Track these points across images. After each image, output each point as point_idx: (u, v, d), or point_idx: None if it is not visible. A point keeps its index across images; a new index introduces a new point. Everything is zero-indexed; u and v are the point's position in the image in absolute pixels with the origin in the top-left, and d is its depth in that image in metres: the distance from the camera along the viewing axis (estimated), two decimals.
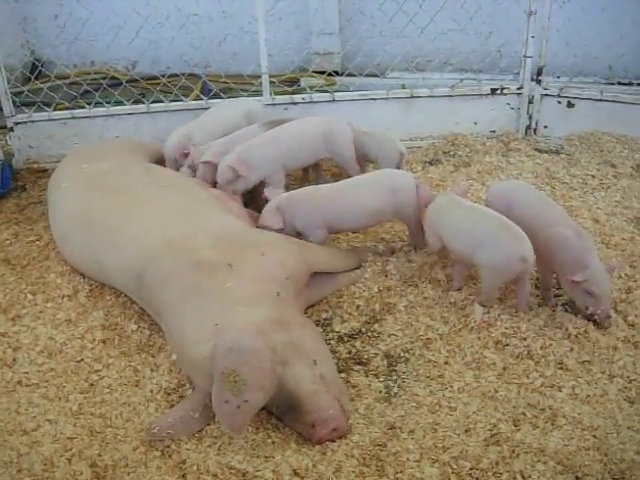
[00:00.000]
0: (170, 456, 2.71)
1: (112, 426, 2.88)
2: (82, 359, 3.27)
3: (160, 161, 4.40)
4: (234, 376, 2.62)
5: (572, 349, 3.16)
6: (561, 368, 3.08)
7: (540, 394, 2.93)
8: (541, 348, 3.16)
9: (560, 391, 2.95)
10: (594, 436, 2.71)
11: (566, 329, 3.26)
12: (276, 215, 3.67)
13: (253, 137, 4.19)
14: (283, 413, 2.80)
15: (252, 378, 2.64)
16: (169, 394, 3.04)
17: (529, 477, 2.54)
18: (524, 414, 2.83)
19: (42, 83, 5.49)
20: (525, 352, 3.15)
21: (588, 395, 2.92)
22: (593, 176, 4.64)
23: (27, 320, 3.52)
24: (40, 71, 5.66)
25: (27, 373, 3.18)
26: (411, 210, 3.73)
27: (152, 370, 3.19)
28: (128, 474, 2.63)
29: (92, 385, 3.12)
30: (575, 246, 3.22)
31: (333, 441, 2.72)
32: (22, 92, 5.24)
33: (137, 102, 5.22)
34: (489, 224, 3.31)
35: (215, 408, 2.68)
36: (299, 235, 3.73)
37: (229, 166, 3.94)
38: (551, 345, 3.18)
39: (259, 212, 3.80)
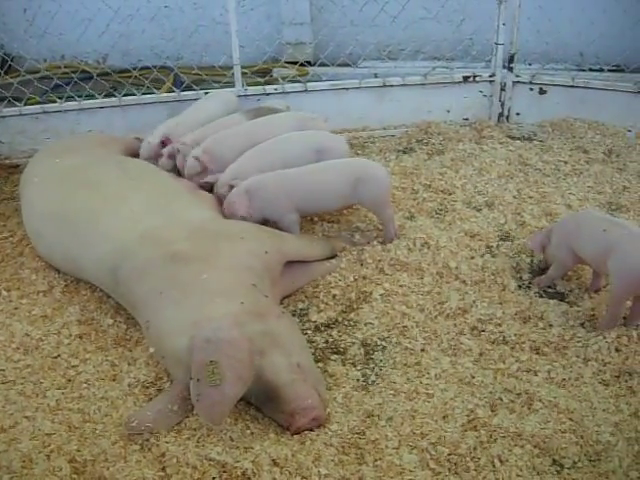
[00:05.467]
0: (149, 449, 2.71)
1: (90, 421, 2.87)
2: (59, 355, 3.25)
3: (131, 154, 4.38)
4: (212, 367, 2.63)
5: (547, 334, 3.19)
6: (537, 353, 3.11)
7: (516, 379, 2.96)
8: (516, 334, 3.19)
9: (536, 375, 2.98)
10: (570, 419, 2.74)
11: (541, 315, 3.29)
12: (244, 199, 3.66)
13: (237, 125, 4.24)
14: (262, 403, 2.81)
15: (230, 369, 2.64)
16: (147, 387, 3.04)
17: (507, 461, 2.56)
18: (501, 399, 2.85)
19: (12, 78, 5.41)
20: (501, 338, 3.18)
21: (564, 379, 2.95)
22: (565, 162, 4.67)
23: (2, 317, 3.49)
24: (10, 66, 5.58)
25: (3, 370, 3.16)
26: (378, 202, 3.75)
27: (129, 364, 3.18)
28: (107, 469, 2.62)
29: (69, 380, 3.11)
30: None
31: (312, 430, 2.73)
32: None
33: (109, 95, 5.18)
34: (622, 230, 3.17)
35: (193, 400, 2.69)
36: (267, 222, 3.72)
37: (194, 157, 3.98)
38: (526, 330, 3.21)
39: None
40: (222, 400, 2.65)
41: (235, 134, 4.13)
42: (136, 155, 4.37)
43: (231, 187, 3.75)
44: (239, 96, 5.04)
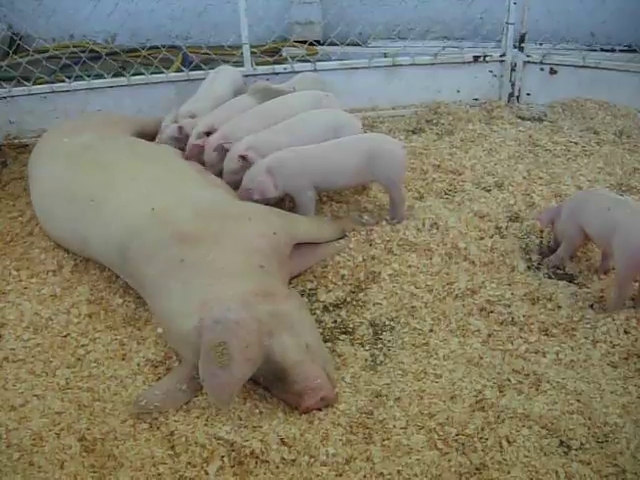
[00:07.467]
0: (158, 428, 2.73)
1: (100, 400, 2.89)
2: (68, 334, 3.27)
3: (141, 134, 4.36)
4: (221, 348, 2.63)
5: (556, 315, 3.18)
6: (545, 334, 3.11)
7: (524, 360, 2.96)
8: (525, 315, 3.19)
9: (544, 357, 2.98)
10: (578, 400, 2.74)
11: (550, 296, 3.29)
12: (269, 178, 3.64)
13: (246, 107, 4.18)
14: (270, 383, 2.82)
15: (238, 350, 2.65)
16: (156, 367, 3.05)
17: (514, 442, 2.57)
18: (509, 380, 2.86)
19: (21, 57, 5.42)
20: (509, 318, 3.18)
21: (572, 360, 2.95)
22: (576, 143, 4.66)
23: (12, 296, 3.51)
24: (18, 45, 5.58)
25: (13, 349, 3.17)
26: (393, 178, 3.73)
27: (138, 343, 3.19)
28: (117, 447, 2.64)
29: (79, 359, 3.12)
30: None
31: (320, 410, 2.74)
32: (0, 67, 5.17)
33: (117, 75, 5.17)
34: (626, 208, 3.16)
35: (202, 381, 2.70)
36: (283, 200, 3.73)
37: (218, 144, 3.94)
38: (535, 311, 3.21)
39: None
40: (230, 381, 2.66)
41: (251, 116, 4.07)
42: (146, 134, 4.35)
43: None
44: (248, 75, 5.02)
